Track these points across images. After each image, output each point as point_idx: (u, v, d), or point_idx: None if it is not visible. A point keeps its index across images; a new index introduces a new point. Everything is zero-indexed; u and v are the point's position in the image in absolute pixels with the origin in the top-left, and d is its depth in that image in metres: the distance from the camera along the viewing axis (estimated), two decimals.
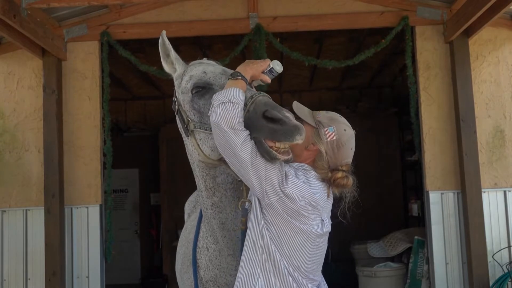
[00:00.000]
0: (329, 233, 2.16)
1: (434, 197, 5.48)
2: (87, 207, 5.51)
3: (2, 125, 5.61)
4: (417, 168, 7.19)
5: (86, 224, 5.50)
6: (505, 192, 5.47)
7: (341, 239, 7.65)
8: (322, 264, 2.13)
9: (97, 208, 5.51)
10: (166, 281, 8.58)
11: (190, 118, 2.12)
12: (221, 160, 2.09)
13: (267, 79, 2.12)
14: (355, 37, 6.63)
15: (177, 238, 8.14)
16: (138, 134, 9.76)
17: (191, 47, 6.76)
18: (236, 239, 2.23)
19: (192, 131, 2.10)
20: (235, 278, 2.25)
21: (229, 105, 1.88)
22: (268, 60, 2.14)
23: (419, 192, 7.46)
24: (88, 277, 5.45)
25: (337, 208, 2.14)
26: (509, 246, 5.39)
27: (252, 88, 2.15)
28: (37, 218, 5.42)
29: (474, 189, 5.27)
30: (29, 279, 5.43)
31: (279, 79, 8.57)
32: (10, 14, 4.29)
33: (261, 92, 1.98)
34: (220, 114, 1.88)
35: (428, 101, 5.56)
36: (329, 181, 2.06)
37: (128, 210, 9.93)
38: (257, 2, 5.64)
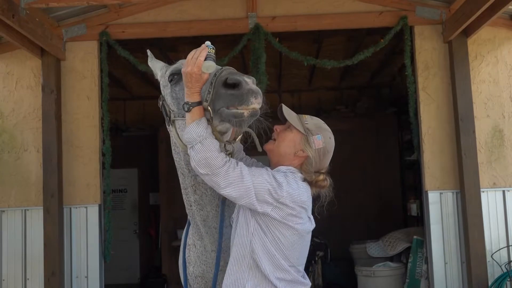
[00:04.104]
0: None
1: (433, 197, 5.49)
2: (86, 207, 5.51)
3: (1, 125, 5.60)
4: (416, 167, 7.18)
5: (85, 224, 5.50)
6: (504, 191, 5.48)
7: (340, 239, 7.69)
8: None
9: (96, 208, 5.51)
10: (165, 281, 8.57)
11: (171, 109, 2.22)
12: None
13: (210, 64, 2.01)
14: (354, 36, 6.63)
15: (176, 238, 8.16)
16: (137, 134, 9.75)
17: (190, 47, 6.72)
18: (217, 237, 2.32)
19: (173, 121, 2.22)
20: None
21: (197, 147, 2.00)
22: (202, 54, 2.02)
23: (418, 192, 7.46)
24: (87, 277, 5.45)
25: (314, 206, 2.30)
26: (508, 246, 5.40)
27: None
28: (36, 218, 5.42)
29: (473, 189, 5.28)
30: (28, 279, 5.42)
31: (278, 79, 8.57)
32: (9, 13, 4.28)
33: (224, 67, 2.06)
34: (195, 161, 2.00)
35: (427, 101, 5.56)
36: (310, 183, 2.22)
37: (127, 210, 9.92)
38: (256, 1, 5.64)
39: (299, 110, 9.74)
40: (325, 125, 2.31)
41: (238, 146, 2.43)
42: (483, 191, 5.39)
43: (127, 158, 9.08)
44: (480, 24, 5.03)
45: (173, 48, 6.66)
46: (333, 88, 9.43)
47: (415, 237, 6.19)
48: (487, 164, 5.48)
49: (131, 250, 9.69)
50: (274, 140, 2.29)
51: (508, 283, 5.12)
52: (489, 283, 5.18)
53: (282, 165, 2.22)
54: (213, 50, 2.04)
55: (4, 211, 5.50)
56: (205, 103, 2.01)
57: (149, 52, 2.56)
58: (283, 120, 2.32)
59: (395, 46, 6.50)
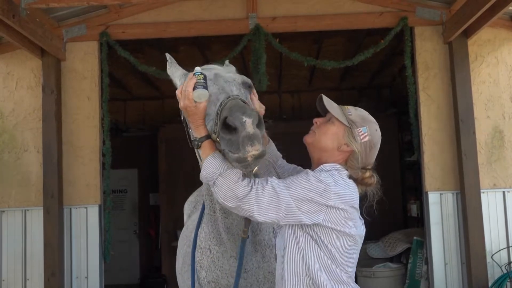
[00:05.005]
0: None
1: (433, 198, 5.48)
2: (86, 207, 5.51)
3: (1, 125, 5.60)
4: (416, 168, 7.18)
5: (85, 224, 5.50)
6: (504, 192, 5.48)
7: None
8: None
9: (96, 208, 5.51)
10: (165, 281, 8.57)
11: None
12: None
13: (201, 94, 1.90)
14: (354, 37, 6.63)
15: (176, 238, 8.15)
16: (137, 134, 9.76)
17: (190, 47, 6.76)
18: (239, 243, 2.24)
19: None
20: (238, 256, 2.25)
21: (219, 181, 1.85)
22: (189, 83, 1.91)
23: (418, 193, 7.46)
24: (87, 277, 5.45)
25: (362, 206, 2.11)
26: (508, 247, 5.39)
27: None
28: (36, 218, 5.42)
29: (473, 190, 5.28)
30: (28, 279, 5.42)
31: (278, 79, 8.57)
32: (9, 14, 4.28)
33: (230, 96, 1.90)
34: (220, 196, 1.85)
35: (427, 102, 5.56)
36: (356, 180, 2.04)
37: (127, 210, 9.93)
38: (256, 2, 5.64)
39: (299, 111, 9.76)
40: (370, 116, 2.09)
41: (271, 148, 2.30)
42: (483, 192, 5.39)
43: (127, 159, 9.09)
44: (480, 25, 5.03)
45: (173, 49, 6.66)
46: (333, 89, 9.42)
47: (415, 237, 6.19)
48: (487, 165, 5.48)
49: (131, 251, 9.69)
50: (314, 132, 2.09)
51: (508, 284, 5.12)
52: (489, 284, 5.18)
53: (326, 162, 2.03)
54: (202, 76, 1.92)
55: (4, 211, 5.50)
56: (213, 135, 1.88)
57: (168, 56, 2.37)
58: (322, 113, 2.13)
59: (395, 47, 6.50)
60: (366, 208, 2.10)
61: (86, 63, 5.65)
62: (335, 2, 5.71)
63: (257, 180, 1.88)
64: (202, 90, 1.88)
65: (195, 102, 1.88)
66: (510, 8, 4.76)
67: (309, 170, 1.97)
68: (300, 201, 1.84)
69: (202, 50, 6.86)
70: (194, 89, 1.88)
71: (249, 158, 1.79)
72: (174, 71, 2.32)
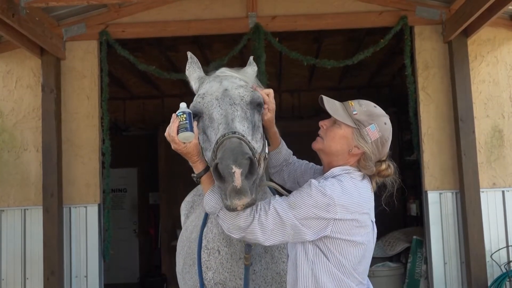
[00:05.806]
0: None
1: (432, 197, 5.49)
2: (85, 207, 5.51)
3: (0, 124, 5.60)
4: (415, 167, 7.18)
5: (85, 224, 5.50)
6: (503, 192, 5.48)
7: None
8: None
9: (96, 208, 5.51)
10: (164, 281, 8.58)
11: (200, 144, 2.02)
12: None
13: (186, 136, 1.90)
14: (354, 36, 6.63)
15: (175, 237, 8.15)
16: (137, 134, 9.76)
17: (190, 46, 6.75)
18: (244, 269, 2.23)
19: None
20: (243, 282, 2.24)
21: (221, 215, 1.85)
22: (173, 126, 1.92)
23: (417, 192, 7.46)
24: (86, 276, 5.45)
25: (382, 196, 2.06)
26: (507, 246, 5.40)
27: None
28: (36, 218, 5.42)
29: (473, 189, 5.28)
30: (27, 278, 5.42)
31: (278, 78, 8.56)
32: (8, 13, 4.28)
33: (226, 135, 1.83)
34: (225, 229, 1.87)
35: (427, 101, 5.57)
36: (371, 176, 2.00)
37: (127, 209, 9.93)
38: (256, 1, 5.64)
39: (298, 110, 9.75)
40: (377, 108, 2.01)
41: (282, 147, 2.27)
42: (483, 191, 5.39)
43: (127, 158, 9.09)
44: (480, 25, 5.03)
45: (173, 48, 6.66)
46: (333, 88, 9.42)
47: (414, 237, 6.19)
48: (487, 164, 5.48)
49: (131, 250, 9.69)
50: (322, 138, 2.03)
51: (508, 283, 5.12)
52: (489, 283, 5.18)
53: (337, 165, 1.98)
54: (184, 116, 1.89)
55: (3, 210, 5.50)
56: (211, 169, 1.85)
57: (189, 55, 2.32)
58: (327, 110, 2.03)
59: (395, 46, 6.50)
60: (386, 198, 2.04)
61: (86, 62, 5.65)
62: (335, 1, 5.70)
63: (259, 205, 1.85)
64: (186, 133, 1.88)
65: (184, 143, 1.89)
66: (510, 7, 4.77)
67: (312, 181, 1.90)
68: (306, 220, 1.82)
69: (202, 49, 6.86)
70: (178, 132, 1.88)
71: (238, 208, 1.77)
72: (192, 72, 2.29)
